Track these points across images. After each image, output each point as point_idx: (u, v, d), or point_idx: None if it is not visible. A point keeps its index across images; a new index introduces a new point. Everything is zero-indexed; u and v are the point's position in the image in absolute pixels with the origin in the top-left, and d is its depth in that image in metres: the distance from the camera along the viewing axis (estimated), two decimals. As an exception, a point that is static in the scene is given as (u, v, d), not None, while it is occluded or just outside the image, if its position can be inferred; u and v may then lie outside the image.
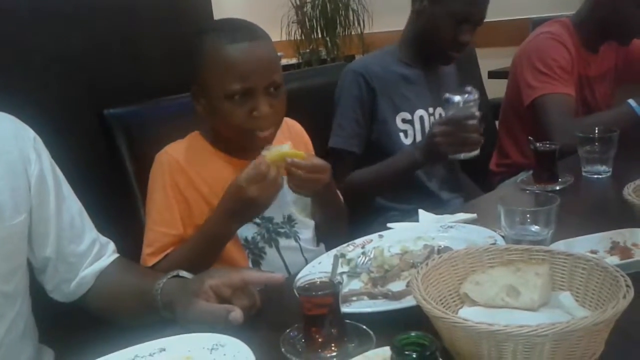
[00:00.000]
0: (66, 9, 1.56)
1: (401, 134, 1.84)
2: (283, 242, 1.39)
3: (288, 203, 1.40)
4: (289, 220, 1.41)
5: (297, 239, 1.41)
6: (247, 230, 1.34)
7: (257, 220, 1.35)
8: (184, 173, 1.30)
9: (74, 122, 1.51)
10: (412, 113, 1.85)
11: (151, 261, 1.26)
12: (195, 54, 1.28)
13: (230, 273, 0.99)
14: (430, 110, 1.89)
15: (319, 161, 1.25)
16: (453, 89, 1.85)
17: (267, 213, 1.31)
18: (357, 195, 1.71)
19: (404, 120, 1.85)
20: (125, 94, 1.55)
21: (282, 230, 1.39)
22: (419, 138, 1.85)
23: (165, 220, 1.28)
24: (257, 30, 1.29)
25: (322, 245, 1.47)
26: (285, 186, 1.25)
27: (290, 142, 1.23)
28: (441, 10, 1.77)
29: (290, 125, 1.48)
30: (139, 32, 1.72)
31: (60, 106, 1.51)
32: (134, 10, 1.71)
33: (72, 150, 1.34)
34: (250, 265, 1.34)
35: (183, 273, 1.07)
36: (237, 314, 0.92)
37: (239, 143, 1.33)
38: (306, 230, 1.44)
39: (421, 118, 1.87)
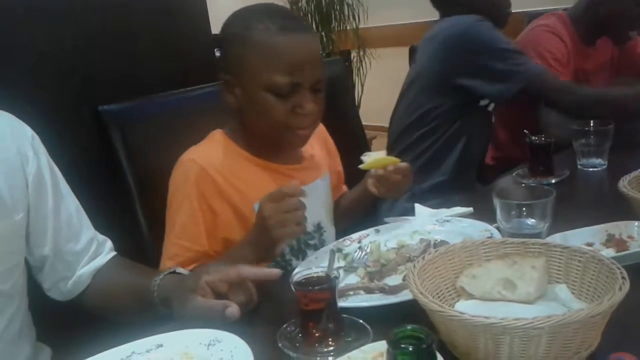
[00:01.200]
0: (60, 5, 1.55)
1: None
2: (310, 254, 1.27)
3: (318, 211, 1.35)
4: (319, 228, 1.36)
5: None
6: None
7: None
8: (212, 182, 1.21)
9: (69, 118, 1.51)
10: None
11: None
12: (233, 39, 1.20)
13: (226, 268, 0.98)
14: None
15: (406, 163, 1.25)
16: None
17: None
18: None
19: None
20: (120, 90, 1.54)
21: (311, 242, 1.34)
22: None
23: (189, 235, 1.21)
24: (305, 23, 1.25)
25: None
26: (317, 193, 1.26)
27: (384, 150, 1.22)
28: None
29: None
30: (133, 27, 1.71)
31: (55, 103, 1.50)
32: (128, 5, 1.70)
33: (68, 147, 1.34)
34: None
35: (179, 270, 1.07)
36: (233, 309, 0.91)
37: (272, 140, 1.25)
38: (331, 237, 1.39)
39: None
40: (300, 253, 1.32)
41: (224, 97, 1.24)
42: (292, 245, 1.31)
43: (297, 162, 1.35)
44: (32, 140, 1.09)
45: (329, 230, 1.39)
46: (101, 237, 1.19)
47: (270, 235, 1.06)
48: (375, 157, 1.23)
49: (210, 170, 1.21)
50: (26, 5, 1.49)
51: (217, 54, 1.32)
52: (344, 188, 1.57)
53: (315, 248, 1.32)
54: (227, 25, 1.23)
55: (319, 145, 1.44)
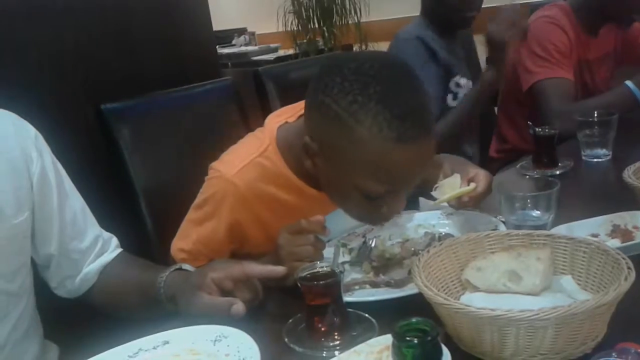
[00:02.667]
0: (61, 4, 1.56)
1: (450, 96, 1.95)
2: None
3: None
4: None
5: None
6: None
7: None
8: (250, 210, 1.13)
9: (72, 117, 1.51)
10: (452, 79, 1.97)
11: (179, 256, 1.19)
12: (332, 113, 0.96)
13: (232, 266, 0.98)
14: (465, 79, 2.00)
15: (485, 182, 1.14)
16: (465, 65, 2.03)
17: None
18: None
19: (456, 85, 1.96)
20: (122, 89, 1.55)
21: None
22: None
23: (210, 245, 1.17)
24: (428, 118, 0.98)
25: None
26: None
27: (458, 176, 1.13)
28: None
29: None
30: (134, 26, 1.71)
31: (57, 102, 1.50)
32: (129, 4, 1.70)
33: (71, 146, 1.34)
34: None
35: (185, 266, 1.08)
36: (239, 306, 0.92)
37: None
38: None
39: (457, 84, 1.97)
40: None
41: (299, 155, 1.06)
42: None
43: None
44: (35, 139, 1.09)
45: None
46: (107, 234, 1.19)
47: (281, 264, 1.00)
48: (449, 188, 1.13)
49: (250, 197, 1.12)
50: (28, 5, 1.50)
51: (220, 50, 1.29)
52: None
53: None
54: (325, 93, 0.97)
55: None
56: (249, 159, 1.13)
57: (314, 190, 1.14)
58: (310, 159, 1.05)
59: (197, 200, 1.20)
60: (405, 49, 1.88)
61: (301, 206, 1.15)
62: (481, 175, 1.17)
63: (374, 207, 1.03)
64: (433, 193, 1.16)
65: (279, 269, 0.99)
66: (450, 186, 1.14)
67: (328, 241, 1.20)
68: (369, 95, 0.93)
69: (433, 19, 1.98)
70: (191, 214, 1.21)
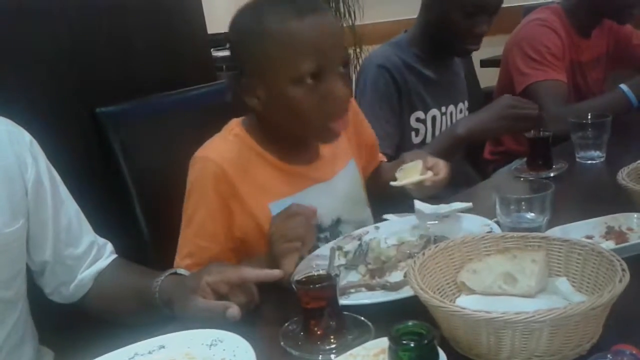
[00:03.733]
0: (55, 6, 1.55)
1: (412, 133, 1.81)
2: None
3: (337, 206, 1.31)
4: (337, 223, 1.31)
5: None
6: None
7: None
8: (229, 182, 1.17)
9: (66, 121, 1.50)
10: (425, 112, 1.83)
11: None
12: (248, 38, 1.13)
13: (227, 270, 0.98)
14: (443, 109, 1.87)
15: (442, 176, 1.21)
16: (462, 88, 1.90)
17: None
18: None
19: (417, 120, 1.81)
20: (117, 92, 1.54)
21: (322, 235, 1.27)
22: (429, 138, 1.83)
23: (207, 234, 1.18)
24: (318, 1, 1.16)
25: None
26: (337, 187, 1.26)
27: (420, 161, 1.19)
28: (449, 2, 1.72)
29: None
30: (129, 29, 1.70)
31: (51, 106, 1.50)
32: (124, 7, 1.70)
33: (65, 150, 1.34)
34: None
35: (180, 270, 1.08)
36: (234, 310, 0.92)
37: (301, 139, 1.23)
38: (349, 228, 1.32)
39: (434, 118, 1.85)
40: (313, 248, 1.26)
41: (244, 101, 1.17)
42: None
43: (314, 160, 1.30)
44: (30, 145, 1.09)
45: (348, 221, 1.33)
46: (102, 240, 1.19)
47: (274, 250, 1.03)
48: (408, 172, 1.17)
49: (227, 169, 1.17)
50: (20, 7, 1.49)
51: (215, 53, 1.31)
52: (380, 157, 1.55)
53: (326, 240, 1.28)
54: (236, 26, 1.17)
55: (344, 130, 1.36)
56: (221, 139, 1.23)
57: (285, 164, 1.23)
58: (252, 96, 1.16)
59: (185, 198, 1.21)
60: (368, 74, 1.77)
61: (274, 180, 1.21)
62: (441, 163, 1.23)
63: (322, 96, 1.11)
64: (396, 174, 1.20)
65: (275, 273, 0.99)
66: (412, 170, 1.18)
67: (322, 235, 1.25)
68: (267, 6, 1.12)
69: (428, 38, 1.84)
70: (183, 219, 1.21)
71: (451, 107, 1.89)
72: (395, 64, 1.77)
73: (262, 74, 1.13)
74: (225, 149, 1.20)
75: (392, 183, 1.19)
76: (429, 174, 1.19)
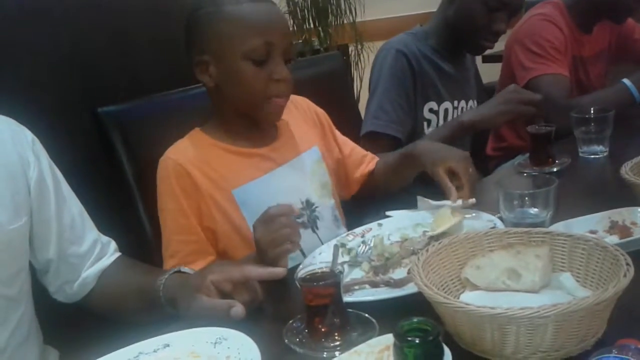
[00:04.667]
0: (56, 7, 1.55)
1: (425, 123, 1.82)
2: (301, 232, 1.26)
3: (303, 187, 1.36)
4: (308, 205, 1.36)
5: (314, 229, 1.35)
6: None
7: None
8: (189, 176, 1.23)
9: (68, 121, 1.50)
10: (439, 104, 1.84)
11: None
12: (204, 20, 1.23)
13: (231, 268, 0.99)
14: (455, 103, 1.88)
15: (469, 181, 1.28)
16: (473, 85, 1.90)
17: (284, 201, 1.22)
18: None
19: (430, 110, 1.82)
20: (118, 92, 1.54)
21: (300, 220, 1.32)
22: None
23: (182, 227, 1.23)
24: None
25: (343, 230, 1.40)
26: (300, 168, 1.30)
27: (448, 207, 1.20)
28: None
29: (296, 102, 1.43)
30: (130, 28, 1.70)
31: (53, 106, 1.50)
32: (123, 6, 1.70)
33: (68, 150, 1.34)
34: None
35: (184, 269, 1.08)
36: (238, 309, 0.92)
37: (250, 114, 1.28)
38: (326, 211, 1.38)
39: (446, 111, 1.85)
40: None
41: (200, 80, 1.27)
42: None
43: (271, 142, 1.35)
44: (32, 144, 1.09)
45: (322, 205, 1.38)
46: (105, 238, 1.19)
47: (266, 256, 1.04)
48: (442, 220, 1.16)
49: (186, 165, 1.24)
50: (21, 8, 1.49)
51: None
52: (371, 157, 1.57)
53: (305, 226, 1.32)
54: (194, 10, 1.26)
55: (301, 120, 1.44)
56: (180, 142, 1.30)
57: (242, 148, 1.30)
58: (206, 73, 1.24)
59: (157, 201, 1.26)
60: (385, 59, 1.78)
61: (232, 168, 1.27)
62: (461, 167, 1.29)
63: (266, 76, 1.21)
64: (432, 224, 1.19)
65: (279, 270, 0.99)
66: (442, 218, 1.16)
67: (300, 220, 1.30)
68: None
69: (445, 32, 1.84)
70: (160, 221, 1.25)
71: (462, 102, 1.91)
72: (412, 52, 1.79)
73: (214, 52, 1.22)
74: (184, 147, 1.29)
75: (430, 233, 1.16)
76: (460, 216, 1.17)
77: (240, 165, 1.29)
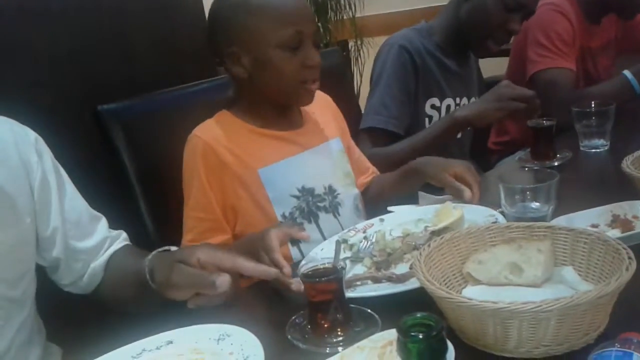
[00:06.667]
0: (55, 6, 1.55)
1: (426, 119, 1.82)
2: (323, 216, 1.35)
3: (327, 173, 1.39)
4: (330, 190, 1.38)
5: (336, 214, 1.37)
6: (285, 205, 1.31)
7: (297, 193, 1.32)
8: (216, 154, 1.26)
9: (69, 119, 1.51)
10: (441, 100, 1.84)
11: None
12: (232, 13, 1.26)
13: (223, 255, 0.93)
14: (458, 100, 1.88)
15: (475, 184, 1.28)
16: (474, 83, 1.90)
17: (308, 184, 1.33)
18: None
19: (432, 106, 1.83)
20: (118, 89, 1.54)
21: (321, 204, 1.36)
22: None
23: (201, 205, 1.26)
24: None
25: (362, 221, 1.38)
26: (325, 155, 1.35)
27: (449, 202, 1.21)
28: None
29: (319, 95, 1.42)
30: (129, 26, 1.70)
31: (53, 105, 1.50)
32: (123, 4, 1.69)
33: (69, 148, 1.33)
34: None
35: (173, 248, 1.02)
36: (225, 278, 0.86)
37: (283, 100, 1.33)
38: (348, 200, 1.41)
39: (448, 107, 1.86)
40: (311, 215, 1.34)
41: (230, 71, 1.29)
42: (303, 208, 1.33)
43: (298, 127, 1.39)
44: (35, 143, 1.09)
45: (344, 193, 1.40)
46: (115, 232, 1.19)
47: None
48: (444, 216, 1.16)
49: (214, 144, 1.27)
50: (21, 7, 1.49)
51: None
52: (372, 170, 1.58)
53: (326, 210, 1.36)
54: (220, 4, 1.29)
55: (324, 112, 1.47)
56: (207, 122, 1.33)
57: (270, 130, 1.33)
58: (237, 65, 1.28)
59: (183, 177, 1.29)
60: (388, 54, 1.79)
61: (259, 149, 1.31)
62: (467, 172, 1.30)
63: (299, 62, 1.25)
64: (433, 219, 1.19)
65: (272, 271, 0.95)
66: (444, 213, 1.17)
67: (321, 204, 1.35)
68: None
69: (453, 29, 1.84)
70: (184, 196, 1.29)
71: (465, 99, 1.91)
72: (416, 47, 1.79)
73: (248, 42, 1.25)
74: (213, 127, 1.32)
75: (430, 228, 1.16)
76: (460, 210, 1.17)
77: (267, 146, 1.32)
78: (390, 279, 1.02)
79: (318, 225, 1.34)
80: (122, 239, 1.20)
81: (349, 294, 0.95)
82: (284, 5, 1.25)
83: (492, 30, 1.77)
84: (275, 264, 0.99)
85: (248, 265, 0.94)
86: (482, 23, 1.77)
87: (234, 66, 1.29)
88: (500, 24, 1.75)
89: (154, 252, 1.01)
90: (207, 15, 1.88)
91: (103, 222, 1.18)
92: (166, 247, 1.03)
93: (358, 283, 1.03)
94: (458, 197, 1.28)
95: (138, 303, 1.10)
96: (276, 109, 1.35)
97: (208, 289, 0.88)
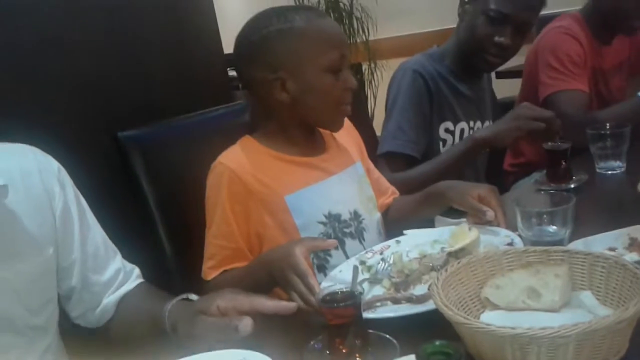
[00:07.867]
0: (75, 36, 1.59)
1: (440, 143, 1.83)
2: (349, 242, 1.35)
3: (352, 198, 1.39)
4: (356, 216, 1.38)
5: (361, 240, 1.37)
6: (312, 232, 1.30)
7: (323, 219, 1.32)
8: (243, 183, 1.26)
9: (89, 145, 1.53)
10: (455, 124, 1.85)
11: (211, 275, 1.25)
12: (276, 38, 1.25)
13: (241, 298, 0.96)
14: (472, 123, 1.89)
15: (497, 206, 1.26)
16: (488, 106, 1.90)
17: (334, 210, 1.33)
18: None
19: (446, 130, 1.84)
20: (137, 116, 1.57)
21: (347, 230, 1.35)
22: None
23: (223, 233, 1.26)
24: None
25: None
26: (349, 181, 1.35)
27: (465, 224, 1.21)
28: (476, 7, 1.77)
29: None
30: (147, 54, 1.74)
31: (72, 131, 1.53)
32: (141, 32, 1.73)
33: (88, 174, 1.35)
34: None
35: (192, 296, 1.04)
36: (247, 322, 0.88)
37: (310, 127, 1.36)
38: (372, 225, 1.41)
39: (462, 131, 1.87)
40: (338, 242, 1.32)
41: (271, 97, 1.28)
42: (330, 234, 1.32)
43: (322, 153, 1.40)
44: (58, 173, 1.10)
45: (368, 218, 1.40)
46: (129, 265, 1.20)
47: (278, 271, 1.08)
48: (460, 237, 1.16)
49: (240, 171, 1.26)
50: (43, 39, 1.53)
51: (231, 73, 1.34)
52: (393, 191, 1.58)
53: (352, 237, 1.36)
54: (258, 30, 1.28)
55: (345, 135, 1.47)
56: (233, 148, 1.33)
57: (295, 157, 1.34)
58: (282, 90, 1.27)
59: (205, 203, 1.29)
60: (402, 79, 1.80)
61: (285, 176, 1.31)
62: (490, 194, 1.28)
63: (341, 84, 1.27)
64: (449, 241, 1.18)
65: (291, 306, 0.96)
66: (460, 235, 1.16)
67: (348, 230, 1.36)
68: (287, 12, 1.28)
69: (459, 52, 1.85)
70: (207, 222, 1.29)
71: (479, 123, 1.92)
72: (429, 72, 1.81)
73: (291, 67, 1.26)
74: (238, 154, 1.31)
75: (447, 249, 1.16)
76: (476, 232, 1.17)
77: (293, 172, 1.32)
78: (410, 300, 1.03)
79: (345, 252, 1.33)
80: (135, 276, 1.19)
81: (370, 315, 0.95)
82: (330, 29, 1.29)
83: (482, 44, 1.77)
84: (310, 289, 1.01)
85: (269, 305, 0.96)
86: (471, 39, 1.79)
87: (278, 92, 1.27)
88: (486, 37, 1.75)
89: (173, 302, 1.01)
90: (222, 39, 1.93)
91: (117, 253, 1.19)
92: (184, 296, 1.03)
93: (378, 304, 1.04)
94: (480, 221, 1.25)
95: (149, 343, 1.09)
96: (304, 134, 1.36)
97: (231, 335, 0.89)
